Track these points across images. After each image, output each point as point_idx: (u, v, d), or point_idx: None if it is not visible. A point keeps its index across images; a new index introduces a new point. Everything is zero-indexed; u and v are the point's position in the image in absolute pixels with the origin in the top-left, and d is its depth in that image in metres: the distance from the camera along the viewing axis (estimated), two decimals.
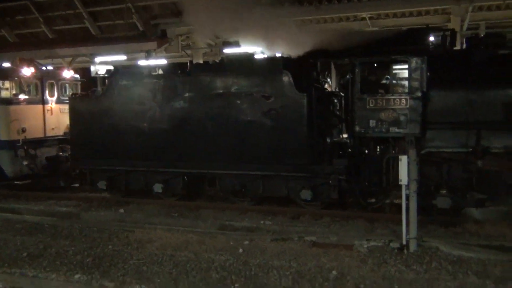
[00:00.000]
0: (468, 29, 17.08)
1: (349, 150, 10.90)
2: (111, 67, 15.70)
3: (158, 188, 12.07)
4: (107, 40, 20.15)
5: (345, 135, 11.52)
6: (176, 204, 11.97)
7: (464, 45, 10.92)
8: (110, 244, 8.49)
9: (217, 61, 14.97)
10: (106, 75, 16.61)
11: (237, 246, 8.16)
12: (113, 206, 12.13)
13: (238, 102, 11.05)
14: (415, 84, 9.82)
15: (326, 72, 12.32)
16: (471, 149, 9.50)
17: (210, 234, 9.05)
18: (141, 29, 20.89)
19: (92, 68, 19.18)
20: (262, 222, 10.28)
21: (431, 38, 10.32)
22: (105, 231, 9.34)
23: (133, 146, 12.12)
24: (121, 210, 11.70)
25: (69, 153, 14.09)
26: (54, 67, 17.28)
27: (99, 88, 17.60)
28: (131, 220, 10.69)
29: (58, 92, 15.34)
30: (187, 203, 11.96)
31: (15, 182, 14.58)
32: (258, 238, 8.62)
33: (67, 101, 13.98)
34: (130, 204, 12.22)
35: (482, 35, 13.90)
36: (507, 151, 9.33)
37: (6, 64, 15.44)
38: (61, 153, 14.84)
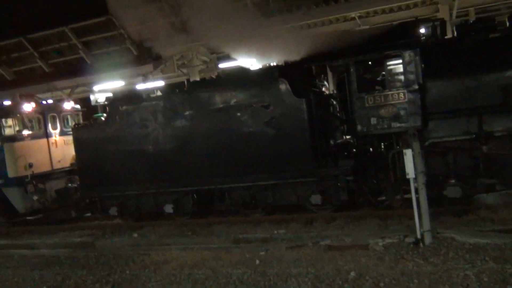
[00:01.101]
0: (457, 17, 17.10)
1: (354, 150, 10.92)
2: (110, 94, 15.84)
3: (169, 208, 12.13)
4: (103, 68, 20.34)
5: (348, 136, 11.55)
6: (188, 222, 12.00)
7: (455, 33, 10.96)
8: (127, 269, 8.52)
9: (214, 76, 15.08)
10: (106, 103, 16.75)
11: (253, 257, 8.17)
12: (127, 231, 12.16)
13: (239, 114, 11.13)
14: (411, 77, 9.87)
15: (322, 75, 12.39)
16: (474, 135, 9.52)
17: (225, 249, 9.07)
18: (135, 53, 21.10)
19: (92, 97, 19.34)
20: (275, 231, 10.28)
21: (422, 30, 10.38)
22: (121, 256, 9.37)
23: (140, 169, 12.20)
24: (135, 235, 11.74)
25: (78, 183, 14.17)
26: (54, 100, 17.44)
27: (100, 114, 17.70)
28: (145, 243, 10.72)
29: (60, 124, 15.48)
30: (199, 221, 11.99)
31: (27, 218, 14.66)
32: (273, 248, 8.63)
33: (70, 132, 14.11)
34: (143, 227, 12.26)
35: (471, 21, 14.00)
36: (510, 133, 9.33)
37: (7, 102, 15.63)
38: (69, 185, 14.94)
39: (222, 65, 19.82)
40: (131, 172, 12.31)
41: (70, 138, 14.28)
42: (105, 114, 14.06)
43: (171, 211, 12.14)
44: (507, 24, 10.21)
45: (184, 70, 21.04)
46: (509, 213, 9.16)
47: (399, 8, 17.67)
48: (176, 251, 9.19)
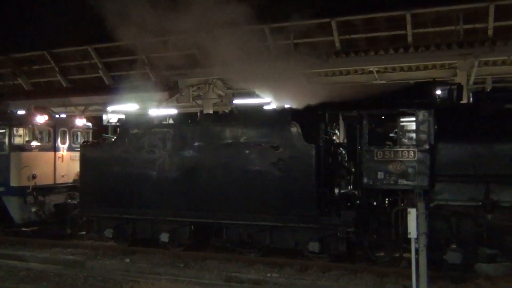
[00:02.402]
0: (474, 83, 17.31)
1: (357, 202, 10.83)
2: (123, 116, 15.98)
3: (164, 237, 12.00)
4: (119, 89, 20.61)
5: (353, 187, 11.48)
6: (182, 254, 11.84)
7: (471, 99, 11.03)
8: None
9: (227, 111, 15.21)
10: (117, 124, 16.89)
11: None
12: (119, 255, 12.02)
13: (247, 152, 11.14)
14: (423, 136, 9.88)
15: (334, 124, 12.45)
16: (480, 203, 9.42)
17: (216, 286, 8.93)
18: (153, 79, 21.41)
19: (104, 117, 19.52)
20: (269, 274, 10.10)
21: (438, 92, 10.48)
22: (110, 280, 9.24)
23: (141, 195, 12.16)
24: (127, 259, 11.58)
25: (78, 200, 14.12)
26: (67, 115, 17.63)
27: (110, 136, 17.83)
28: (136, 270, 10.56)
29: (70, 139, 15.57)
30: (193, 253, 11.83)
31: (23, 229, 14.56)
32: None
33: (78, 149, 14.17)
34: (136, 253, 12.11)
35: (488, 89, 14.12)
36: None
37: (21, 112, 15.79)
38: (69, 200, 14.88)
39: (237, 101, 20.05)
40: (131, 196, 12.26)
41: (77, 154, 14.33)
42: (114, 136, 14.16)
43: (166, 240, 12.00)
44: None
45: (199, 102, 21.26)
46: (508, 286, 8.96)
47: (418, 68, 17.93)
48: (166, 282, 9.06)
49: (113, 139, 13.65)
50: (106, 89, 21.58)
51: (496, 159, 9.35)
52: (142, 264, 11.12)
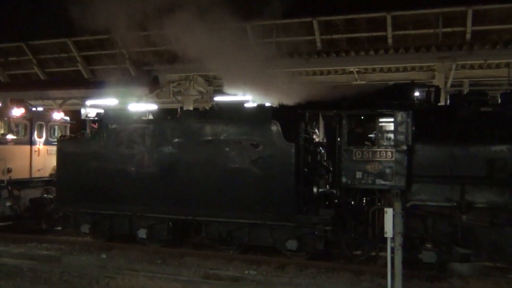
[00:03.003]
0: (452, 85, 17.60)
1: (336, 201, 10.93)
2: (101, 111, 15.79)
3: (142, 233, 11.93)
4: (99, 84, 20.36)
5: (331, 186, 11.58)
6: (160, 250, 11.78)
7: (448, 101, 11.23)
8: None
9: (208, 108, 15.17)
10: (96, 118, 16.69)
11: None
12: (96, 251, 11.90)
13: (227, 149, 11.15)
14: (401, 137, 10.03)
15: (314, 123, 12.53)
16: (455, 204, 9.61)
17: (194, 283, 8.89)
18: (133, 74, 21.20)
19: (83, 111, 19.26)
20: (246, 271, 10.13)
21: (416, 93, 10.64)
22: (86, 276, 9.13)
23: (119, 190, 12.05)
24: (103, 255, 11.48)
25: (54, 195, 13.92)
26: (44, 108, 17.33)
27: (88, 131, 17.62)
28: (113, 266, 10.45)
29: (46, 133, 15.34)
30: (171, 250, 11.78)
31: None
32: None
33: (55, 143, 13.96)
34: (113, 249, 12.00)
35: (465, 92, 14.40)
36: (490, 207, 9.45)
37: None
38: (45, 195, 14.66)
39: (217, 98, 20.00)
40: (109, 192, 12.15)
41: (54, 148, 14.12)
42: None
43: (144, 236, 11.94)
44: (499, 100, 10.49)
45: (179, 98, 21.14)
46: (481, 285, 9.17)
47: (397, 69, 18.17)
48: (143, 278, 8.98)
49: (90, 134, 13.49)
50: (85, 83, 21.27)
51: (471, 161, 9.55)
52: (119, 260, 11.02)
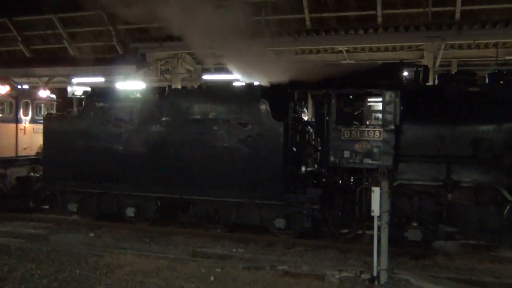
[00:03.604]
0: (440, 65, 17.62)
1: (324, 180, 10.99)
2: (88, 89, 15.60)
3: (130, 212, 11.93)
4: (85, 61, 20.07)
5: (319, 165, 11.62)
6: (148, 229, 11.80)
7: (436, 81, 11.25)
8: (78, 269, 8.28)
9: (196, 87, 15.04)
10: (82, 96, 16.50)
11: (209, 273, 8.07)
12: (83, 230, 11.89)
13: (215, 128, 11.10)
14: (389, 117, 10.05)
15: (303, 102, 12.50)
16: (441, 183, 9.71)
17: (182, 260, 8.93)
18: (120, 52, 20.91)
19: (69, 89, 18.98)
20: (234, 250, 10.21)
21: (405, 73, 10.62)
22: (74, 254, 9.12)
23: (106, 169, 11.99)
24: (91, 234, 11.48)
25: (41, 173, 13.83)
26: (30, 86, 17.07)
27: (74, 109, 17.43)
28: (101, 244, 10.47)
29: (32, 111, 15.16)
30: (159, 229, 11.81)
31: None
32: (230, 266, 8.54)
33: (41, 121, 13.80)
34: (101, 227, 12.00)
35: (453, 72, 14.43)
36: (475, 185, 9.57)
37: None
38: (32, 174, 14.56)
39: (206, 77, 19.85)
40: (97, 170, 12.08)
41: (40, 126, 13.96)
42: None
43: (132, 215, 11.94)
44: (487, 80, 10.52)
45: (167, 76, 20.94)
46: (465, 262, 9.35)
47: (386, 49, 18.13)
48: (131, 256, 9.00)
49: (77, 112, 13.34)
50: (71, 61, 20.96)
51: (458, 140, 9.62)
52: (107, 238, 11.03)
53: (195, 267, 8.40)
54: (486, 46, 17.29)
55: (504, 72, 10.97)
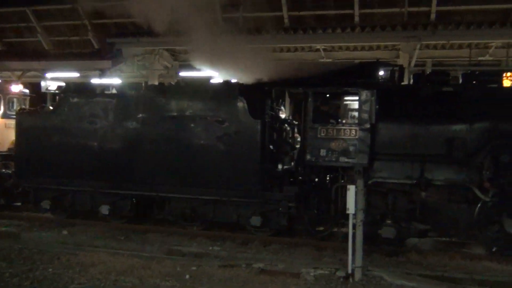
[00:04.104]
0: (415, 65, 17.87)
1: (300, 177, 11.04)
2: (63, 84, 15.34)
3: (105, 209, 11.77)
4: (60, 56, 19.70)
5: (296, 163, 11.66)
6: (123, 227, 11.69)
7: (411, 81, 11.41)
8: (51, 267, 8.14)
9: (173, 83, 14.93)
10: (57, 92, 16.20)
11: (184, 272, 8.03)
12: (56, 227, 11.70)
13: (192, 125, 11.04)
14: (365, 116, 10.15)
15: (281, 100, 12.52)
16: (415, 181, 9.86)
17: (157, 258, 8.86)
18: (96, 47, 20.57)
19: (43, 84, 18.63)
20: (210, 247, 10.18)
21: (381, 72, 10.74)
22: (46, 253, 8.96)
23: (81, 166, 11.81)
24: (65, 232, 11.31)
25: (12, 170, 13.54)
26: (2, 80, 16.69)
27: (48, 104, 17.11)
28: (74, 242, 10.31)
29: (5, 106, 14.81)
30: (134, 226, 11.70)
31: None
32: (205, 264, 8.52)
33: (14, 116, 13.50)
34: (75, 225, 11.83)
35: (428, 72, 14.65)
36: (448, 184, 9.75)
37: None
38: (4, 170, 14.23)
39: (183, 73, 19.69)
40: (71, 167, 11.88)
41: (12, 122, 13.64)
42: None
43: (106, 212, 11.79)
44: (460, 80, 10.72)
45: (144, 72, 20.71)
46: (437, 259, 9.51)
47: (363, 48, 18.29)
48: (106, 254, 8.90)
49: (51, 108, 13.11)
50: (45, 55, 20.54)
51: (431, 139, 9.78)
52: (81, 236, 10.89)
53: (170, 265, 8.35)
54: (460, 46, 17.60)
55: (477, 72, 11.20)
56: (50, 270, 8.00)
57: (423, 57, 18.21)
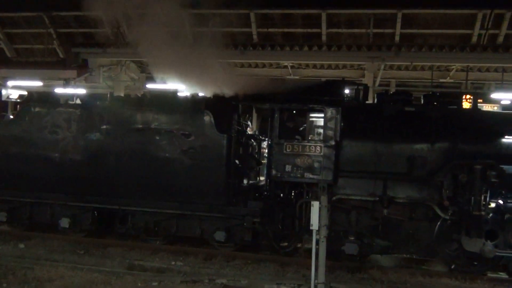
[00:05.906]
0: (379, 85, 18.36)
1: (265, 193, 11.05)
2: (25, 92, 14.97)
3: (65, 223, 11.42)
4: (23, 64, 19.26)
5: (261, 178, 11.70)
6: (83, 240, 11.37)
7: (375, 100, 11.67)
8: (5, 282, 7.84)
9: (139, 95, 14.78)
10: (18, 100, 15.78)
11: (145, 287, 7.87)
12: (13, 240, 11.24)
13: (157, 138, 10.92)
14: (330, 133, 10.30)
15: (247, 115, 12.57)
16: (377, 198, 10.02)
17: (117, 274, 8.65)
18: (61, 56, 20.21)
19: (4, 92, 18.15)
20: (173, 262, 10.02)
21: (346, 91, 10.94)
22: (1, 267, 8.62)
23: (40, 177, 11.46)
24: (21, 245, 10.89)
25: None
26: None
27: (9, 113, 16.64)
28: (31, 256, 9.95)
29: None
30: (95, 240, 11.40)
31: None
32: (167, 280, 8.37)
33: None
34: (33, 238, 11.43)
35: (391, 92, 15.05)
36: (409, 201, 9.95)
37: None
38: None
39: (150, 86, 19.55)
40: (30, 178, 11.51)
41: None
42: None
43: (66, 225, 11.43)
44: (422, 101, 11.03)
45: (110, 83, 20.45)
46: (398, 276, 9.65)
47: (329, 66, 18.66)
48: (64, 269, 8.63)
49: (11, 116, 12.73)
50: (7, 62, 20.04)
51: (394, 157, 10.00)
52: (39, 250, 10.52)
53: (131, 281, 8.18)
54: (422, 68, 18.21)
55: (438, 94, 11.58)
56: (5, 285, 7.69)
57: (387, 77, 18.73)
